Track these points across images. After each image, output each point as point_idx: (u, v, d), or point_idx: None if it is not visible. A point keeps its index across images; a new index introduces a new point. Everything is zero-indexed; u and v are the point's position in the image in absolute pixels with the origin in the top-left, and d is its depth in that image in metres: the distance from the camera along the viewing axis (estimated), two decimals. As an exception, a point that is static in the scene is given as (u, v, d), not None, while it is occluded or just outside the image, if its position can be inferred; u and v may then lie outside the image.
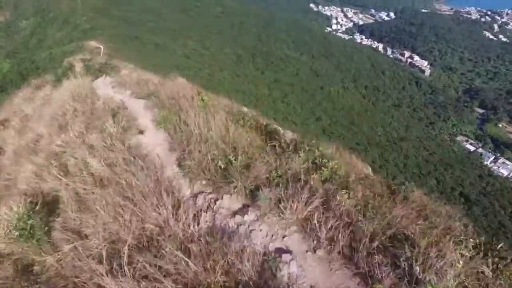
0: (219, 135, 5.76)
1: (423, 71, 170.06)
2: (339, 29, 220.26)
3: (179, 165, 5.65)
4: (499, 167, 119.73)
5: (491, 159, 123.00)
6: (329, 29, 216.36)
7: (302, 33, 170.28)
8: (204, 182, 5.10)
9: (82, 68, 13.16)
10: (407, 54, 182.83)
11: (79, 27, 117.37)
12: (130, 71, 12.41)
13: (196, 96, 7.67)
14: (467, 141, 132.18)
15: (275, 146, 5.67)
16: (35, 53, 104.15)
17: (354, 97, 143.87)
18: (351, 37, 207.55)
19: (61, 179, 5.22)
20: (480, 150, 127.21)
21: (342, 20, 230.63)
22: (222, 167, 5.03)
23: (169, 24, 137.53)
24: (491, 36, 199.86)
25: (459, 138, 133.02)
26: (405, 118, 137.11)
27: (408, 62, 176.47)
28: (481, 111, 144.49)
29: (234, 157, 5.02)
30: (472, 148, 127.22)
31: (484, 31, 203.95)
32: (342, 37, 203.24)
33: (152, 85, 9.60)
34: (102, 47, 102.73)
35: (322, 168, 4.94)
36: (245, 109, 8.79)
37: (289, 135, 6.88)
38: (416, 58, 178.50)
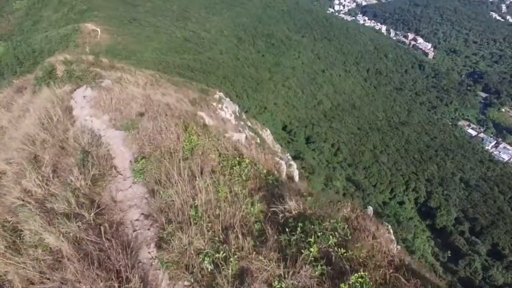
0: (205, 206, 4.87)
1: (426, 54, 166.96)
2: (341, 10, 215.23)
3: (157, 248, 4.69)
4: (500, 152, 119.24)
5: (492, 144, 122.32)
6: (331, 10, 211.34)
7: (303, 14, 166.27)
8: (186, 283, 4.18)
9: (63, 72, 12.10)
10: (410, 36, 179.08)
11: (75, 8, 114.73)
12: (114, 80, 11.37)
13: (182, 133, 6.74)
14: (468, 125, 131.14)
15: (277, 212, 4.80)
16: (30, 35, 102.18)
17: (355, 81, 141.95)
18: (354, 18, 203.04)
19: (11, 257, 4.42)
20: (481, 135, 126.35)
21: (344, 0, 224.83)
22: (209, 269, 4.11)
23: (167, 4, 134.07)
24: (498, 17, 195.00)
25: (461, 122, 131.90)
26: (407, 102, 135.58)
27: (411, 45, 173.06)
28: (484, 95, 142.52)
29: (224, 253, 4.09)
30: (473, 133, 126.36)
31: (491, 12, 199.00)
32: (345, 18, 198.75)
33: (136, 106, 8.57)
34: (99, 30, 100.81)
35: (342, 284, 3.83)
36: (242, 140, 7.73)
37: (296, 185, 5.98)
38: (420, 40, 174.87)
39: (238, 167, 6.10)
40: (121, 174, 6.56)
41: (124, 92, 9.37)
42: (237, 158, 6.31)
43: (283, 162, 6.79)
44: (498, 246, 79.90)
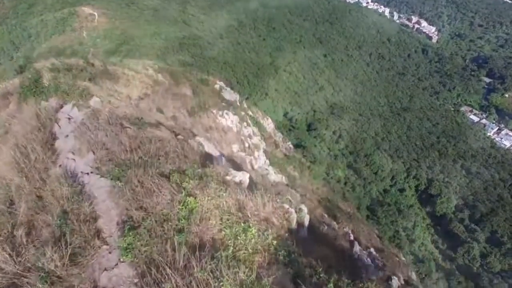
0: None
1: (430, 38, 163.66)
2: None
3: None
4: (501, 138, 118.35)
5: (494, 130, 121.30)
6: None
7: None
8: None
9: (50, 81, 11.22)
10: (414, 19, 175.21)
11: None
12: (103, 97, 10.51)
13: (176, 192, 5.95)
14: (471, 111, 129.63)
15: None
16: (25, 19, 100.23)
17: (357, 65, 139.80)
18: (357, 0, 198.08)
19: None
20: (483, 121, 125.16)
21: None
22: None
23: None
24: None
25: (463, 108, 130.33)
26: (409, 87, 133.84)
27: (415, 28, 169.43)
28: (488, 80, 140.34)
29: None
30: (476, 119, 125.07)
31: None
32: (347, 0, 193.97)
33: (124, 140, 7.65)
34: (96, 14, 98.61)
35: None
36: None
37: (310, 260, 5.35)
38: (424, 23, 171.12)
39: (243, 236, 5.34)
40: (106, 244, 5.77)
41: (113, 117, 8.56)
42: (242, 225, 5.56)
43: (292, 210, 6.23)
44: (497, 233, 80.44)
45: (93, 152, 7.41)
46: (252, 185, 7.33)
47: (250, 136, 39.03)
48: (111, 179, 6.66)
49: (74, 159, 7.41)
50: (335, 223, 12.85)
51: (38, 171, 6.88)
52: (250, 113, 62.53)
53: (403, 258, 59.60)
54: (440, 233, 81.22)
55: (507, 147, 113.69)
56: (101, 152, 7.39)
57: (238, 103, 55.60)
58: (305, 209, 6.48)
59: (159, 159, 7.04)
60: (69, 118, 8.79)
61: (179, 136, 9.16)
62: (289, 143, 76.25)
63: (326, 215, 14.13)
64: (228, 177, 6.77)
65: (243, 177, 6.97)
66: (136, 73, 18.57)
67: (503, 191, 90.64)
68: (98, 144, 7.56)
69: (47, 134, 8.35)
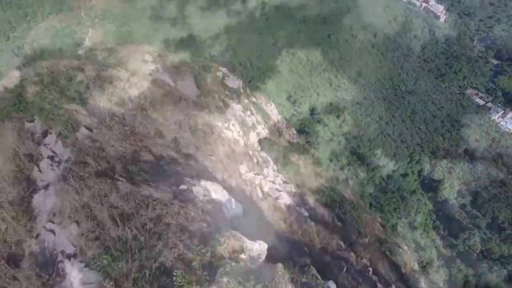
0: None
1: (438, 17, 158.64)
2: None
3: None
4: (506, 122, 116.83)
5: (500, 114, 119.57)
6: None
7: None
8: None
9: (35, 96, 10.13)
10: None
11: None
12: (93, 126, 9.43)
13: None
14: (477, 94, 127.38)
15: None
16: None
17: (362, 46, 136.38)
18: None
19: None
20: (489, 104, 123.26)
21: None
22: None
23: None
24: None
25: (469, 91, 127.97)
26: (414, 69, 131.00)
27: (422, 7, 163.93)
28: (496, 62, 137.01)
29: None
30: (481, 102, 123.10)
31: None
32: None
33: (114, 199, 6.59)
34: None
35: None
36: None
37: None
38: (432, 2, 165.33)
39: None
40: None
41: (103, 162, 7.56)
42: None
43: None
44: (498, 219, 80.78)
45: (77, 223, 6.30)
46: (271, 254, 6.51)
47: (254, 127, 37.96)
48: (99, 270, 5.62)
49: (53, 231, 6.37)
50: (352, 253, 12.32)
51: (8, 246, 5.92)
52: (254, 99, 61.44)
53: (406, 247, 60.03)
54: (442, 219, 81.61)
55: (511, 131, 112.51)
56: (87, 224, 6.26)
57: (241, 90, 54.54)
58: (333, 286, 5.82)
59: (158, 238, 6.03)
60: (52, 157, 7.82)
61: (182, 186, 8.30)
62: (293, 129, 75.58)
63: (342, 244, 13.59)
64: (243, 256, 5.92)
65: (260, 249, 6.14)
66: (133, 75, 17.51)
67: (506, 177, 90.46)
68: (83, 210, 6.41)
69: (23, 185, 7.34)
